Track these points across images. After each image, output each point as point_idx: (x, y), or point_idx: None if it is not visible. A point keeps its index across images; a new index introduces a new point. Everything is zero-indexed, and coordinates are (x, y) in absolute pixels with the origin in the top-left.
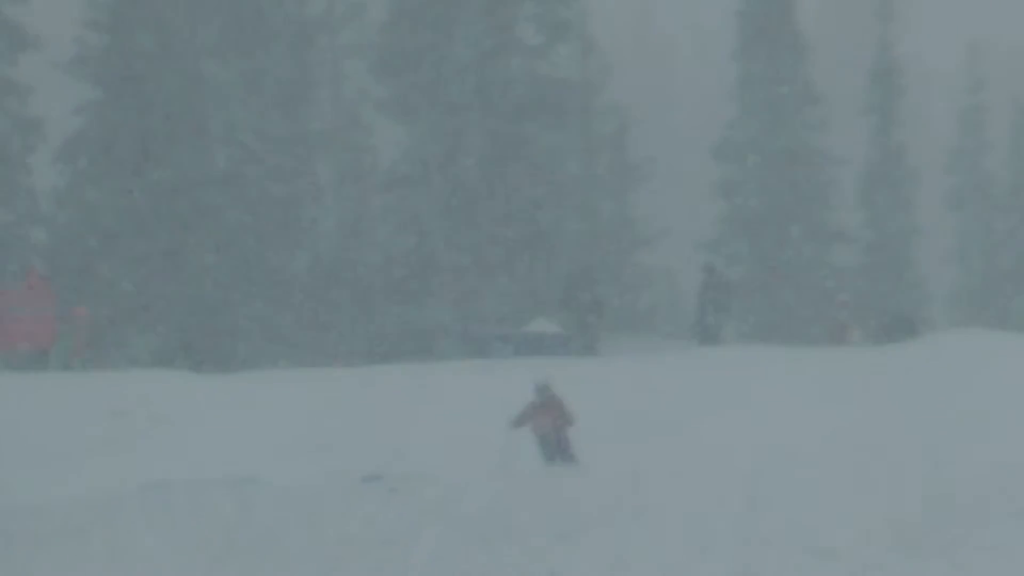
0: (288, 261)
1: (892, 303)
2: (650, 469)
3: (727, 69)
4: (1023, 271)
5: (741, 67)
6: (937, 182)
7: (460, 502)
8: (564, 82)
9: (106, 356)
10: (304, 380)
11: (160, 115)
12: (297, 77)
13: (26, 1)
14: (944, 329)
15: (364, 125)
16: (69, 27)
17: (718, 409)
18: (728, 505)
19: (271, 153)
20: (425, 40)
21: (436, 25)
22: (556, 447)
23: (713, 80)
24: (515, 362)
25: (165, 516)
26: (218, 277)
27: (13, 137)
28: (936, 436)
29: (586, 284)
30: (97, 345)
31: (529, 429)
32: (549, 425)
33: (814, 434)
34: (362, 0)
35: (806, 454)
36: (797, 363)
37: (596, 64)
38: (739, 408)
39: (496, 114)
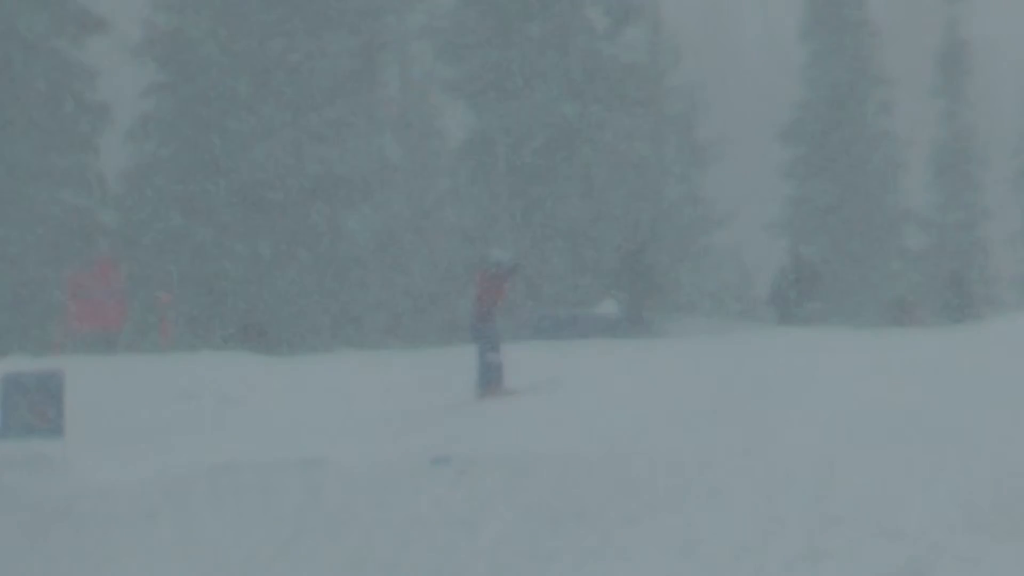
0: (358, 243)
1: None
2: (719, 450)
3: (795, 51)
4: None
5: (808, 48)
6: (1006, 163)
7: (528, 484)
8: (632, 64)
9: (178, 339)
10: (373, 362)
11: (227, 97)
12: (364, 58)
13: None
14: (1014, 310)
15: (432, 106)
16: (136, 10)
17: (788, 390)
18: (798, 485)
19: (338, 135)
20: (492, 22)
21: (504, 8)
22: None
23: (781, 62)
24: (576, 343)
25: (234, 498)
26: (288, 259)
27: (81, 120)
28: (1008, 418)
29: (641, 263)
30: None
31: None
32: (492, 288)
33: (885, 415)
34: None
35: (877, 435)
36: (867, 344)
37: (665, 46)
38: (809, 389)
39: (563, 96)
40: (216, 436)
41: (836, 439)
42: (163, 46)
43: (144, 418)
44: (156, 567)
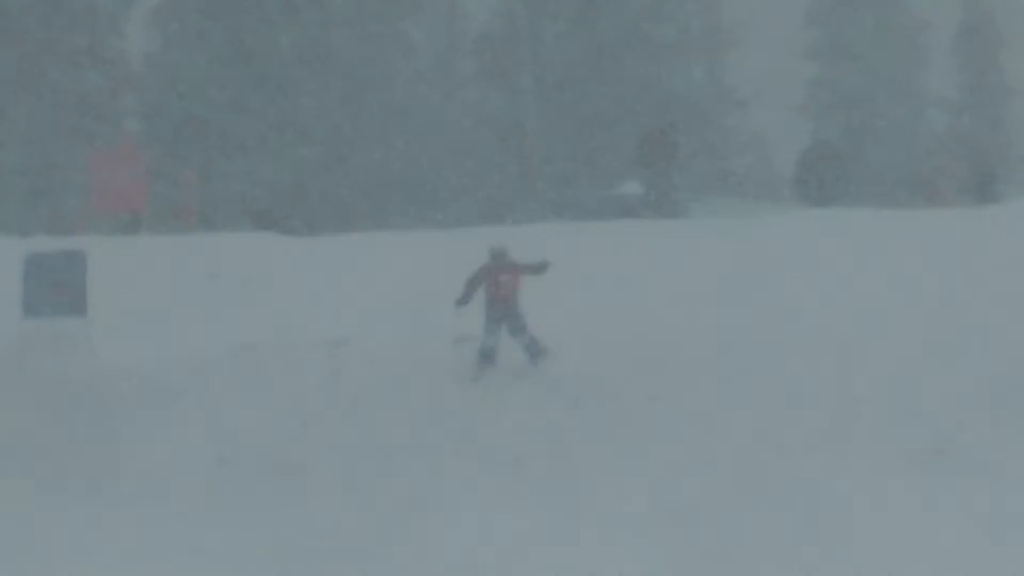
0: (380, 124)
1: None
2: (740, 330)
3: None
4: None
5: None
6: None
7: (551, 364)
8: None
9: (201, 220)
10: (397, 242)
11: None
12: None
13: None
14: None
15: None
16: None
17: (811, 271)
18: (821, 367)
19: (362, 17)
20: None
21: None
22: (507, 309)
23: None
24: (599, 224)
25: (258, 378)
26: (311, 141)
27: (105, 2)
28: None
29: (665, 144)
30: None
31: (483, 291)
32: (510, 285)
33: (908, 297)
34: None
35: (899, 317)
36: (890, 226)
37: None
38: (833, 270)
39: None
40: (239, 317)
41: (859, 320)
42: None
43: (167, 299)
44: (179, 447)
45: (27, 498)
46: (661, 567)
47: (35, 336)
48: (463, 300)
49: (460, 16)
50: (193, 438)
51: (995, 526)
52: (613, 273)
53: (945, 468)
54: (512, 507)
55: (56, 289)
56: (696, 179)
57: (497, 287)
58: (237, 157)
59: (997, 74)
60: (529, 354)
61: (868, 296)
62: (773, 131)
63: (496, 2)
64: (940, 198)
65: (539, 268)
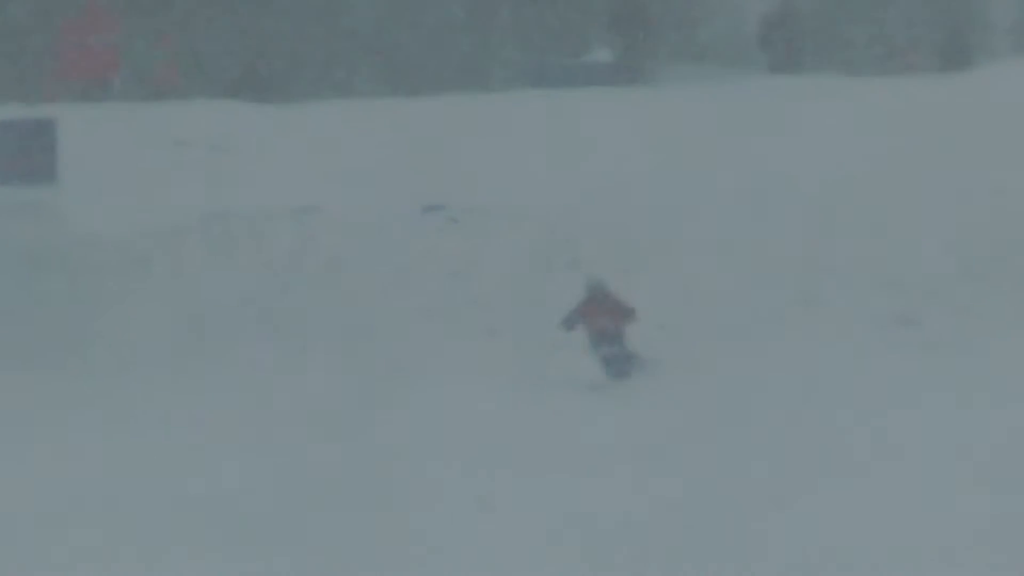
0: None
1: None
2: (711, 198)
3: None
4: None
5: None
6: None
7: (520, 233)
8: None
9: (177, 85)
10: (365, 110)
11: None
12: None
13: None
14: (1010, 58)
15: None
16: None
17: (782, 137)
18: (793, 234)
19: None
20: None
21: None
22: (614, 342)
23: None
24: (568, 92)
25: (226, 246)
26: (278, 8)
27: None
28: (1003, 169)
29: (635, 9)
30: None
31: (581, 328)
32: (608, 322)
33: (880, 165)
34: None
35: (872, 184)
36: (862, 92)
37: None
38: (804, 137)
39: None
40: (209, 185)
41: (830, 188)
42: None
43: (137, 167)
44: (148, 314)
45: None
46: (631, 422)
47: (4, 203)
48: (566, 326)
49: None
50: (163, 307)
51: (964, 393)
52: (581, 141)
53: (914, 336)
54: (482, 373)
55: (25, 157)
56: (666, 47)
57: (595, 327)
58: (205, 26)
59: None
60: (608, 366)
61: (839, 164)
62: None
63: None
64: (912, 65)
65: (630, 314)
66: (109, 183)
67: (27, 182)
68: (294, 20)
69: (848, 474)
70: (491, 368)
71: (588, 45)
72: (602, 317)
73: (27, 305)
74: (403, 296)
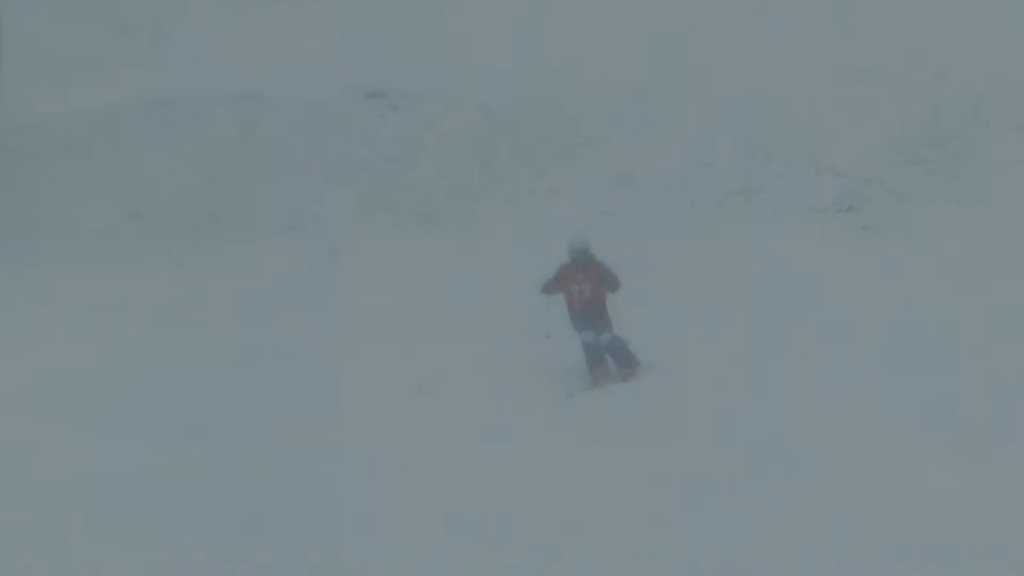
0: None
1: None
2: (651, 86)
3: None
4: None
5: None
6: None
7: (461, 120)
8: None
9: None
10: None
11: None
12: None
13: None
14: None
15: None
16: None
17: (724, 26)
18: (732, 122)
19: None
20: None
21: None
22: (596, 314)
23: None
24: None
25: (168, 132)
26: None
27: None
28: (939, 52)
29: None
30: None
31: (563, 296)
32: (589, 290)
33: (818, 52)
34: None
35: (809, 72)
36: None
37: None
38: (746, 26)
39: None
40: (151, 71)
41: (770, 77)
42: None
43: (79, 52)
44: (89, 199)
45: None
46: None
47: None
48: (547, 290)
49: None
50: (104, 193)
51: (905, 279)
52: (524, 30)
53: (855, 222)
54: (421, 262)
55: None
56: None
57: (573, 296)
58: None
59: None
60: (615, 358)
61: (776, 49)
62: None
63: None
64: None
65: (614, 284)
66: (51, 68)
67: None
68: None
69: (792, 354)
70: (429, 257)
71: None
72: (584, 284)
73: None
74: (343, 183)
